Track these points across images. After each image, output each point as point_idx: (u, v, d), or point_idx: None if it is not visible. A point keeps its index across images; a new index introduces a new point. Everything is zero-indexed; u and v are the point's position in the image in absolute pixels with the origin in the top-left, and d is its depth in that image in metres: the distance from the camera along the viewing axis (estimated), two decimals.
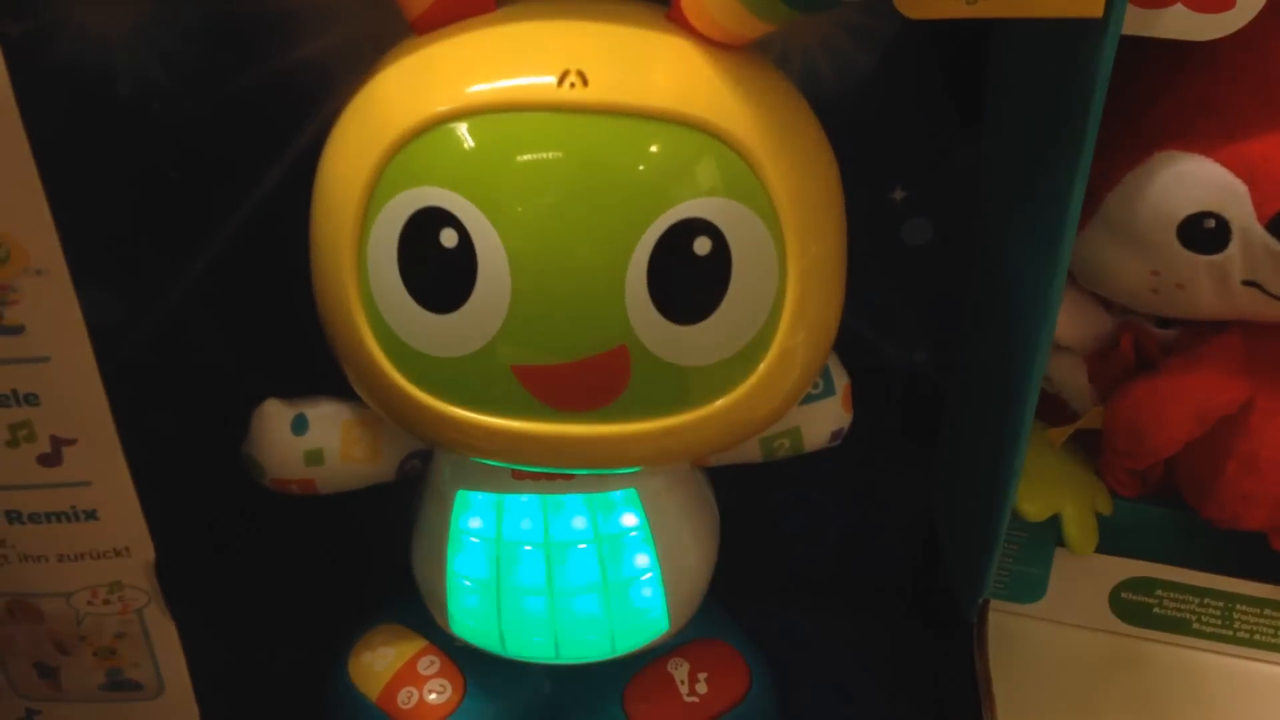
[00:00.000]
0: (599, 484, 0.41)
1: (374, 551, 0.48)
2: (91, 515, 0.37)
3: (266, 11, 0.43)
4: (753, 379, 0.36)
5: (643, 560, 0.42)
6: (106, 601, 0.39)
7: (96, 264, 0.46)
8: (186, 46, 0.43)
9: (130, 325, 0.48)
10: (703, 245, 0.34)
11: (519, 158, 0.33)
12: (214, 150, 0.46)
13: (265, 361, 0.48)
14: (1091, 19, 0.34)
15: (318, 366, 0.40)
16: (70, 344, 0.34)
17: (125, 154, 0.45)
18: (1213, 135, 0.42)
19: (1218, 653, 0.51)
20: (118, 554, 0.38)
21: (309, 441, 0.42)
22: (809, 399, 0.43)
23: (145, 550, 0.39)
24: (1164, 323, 0.48)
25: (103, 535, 0.38)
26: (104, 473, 0.37)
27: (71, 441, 0.36)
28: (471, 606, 0.43)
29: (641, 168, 0.33)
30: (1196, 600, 0.50)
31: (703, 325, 0.35)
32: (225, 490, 0.46)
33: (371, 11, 0.43)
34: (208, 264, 0.48)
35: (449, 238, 0.34)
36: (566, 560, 0.42)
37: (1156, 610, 0.50)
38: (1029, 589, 0.51)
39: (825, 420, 0.43)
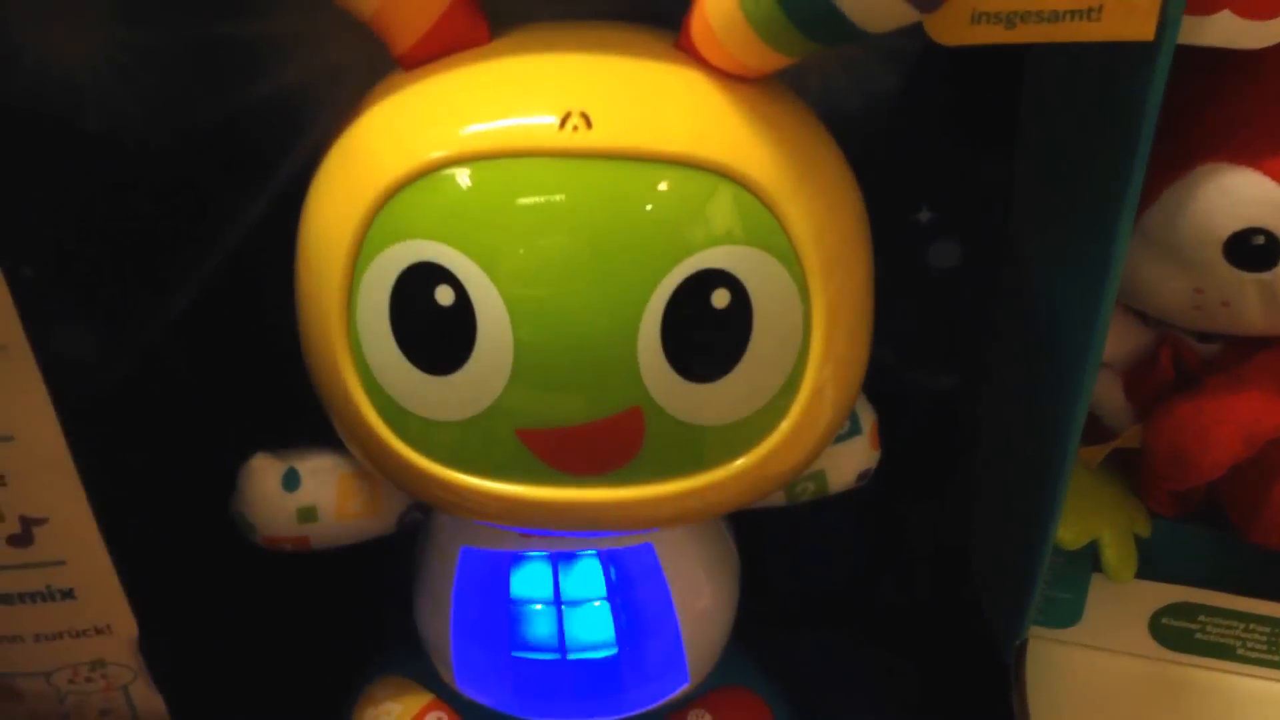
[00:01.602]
0: (613, 541, 0.39)
1: (376, 601, 0.47)
2: (68, 594, 0.36)
3: (241, 37, 0.41)
4: (778, 433, 0.34)
5: (660, 615, 0.40)
6: (89, 680, 0.38)
7: (71, 303, 0.45)
8: (157, 75, 0.41)
9: (106, 365, 0.46)
10: (721, 298, 0.31)
11: (519, 208, 0.31)
12: (189, 183, 0.43)
13: (250, 401, 0.46)
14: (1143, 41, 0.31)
15: (306, 406, 0.38)
16: (35, 422, 0.33)
17: (96, 189, 0.43)
18: (1260, 147, 0.40)
19: (1265, 678, 0.49)
20: (99, 632, 0.37)
21: (301, 498, 0.39)
22: (835, 440, 0.40)
23: (128, 626, 0.37)
24: (1205, 336, 0.46)
25: (81, 614, 0.37)
26: (79, 551, 0.35)
27: (42, 521, 0.35)
28: (478, 664, 0.41)
29: (653, 216, 0.31)
30: (1242, 626, 0.48)
31: (723, 382, 0.32)
32: (214, 541, 0.44)
33: (353, 37, 0.40)
34: (188, 301, 0.46)
35: (445, 295, 0.31)
36: (579, 617, 0.40)
37: (1199, 636, 0.48)
38: (1064, 614, 0.49)
39: (852, 461, 0.41)
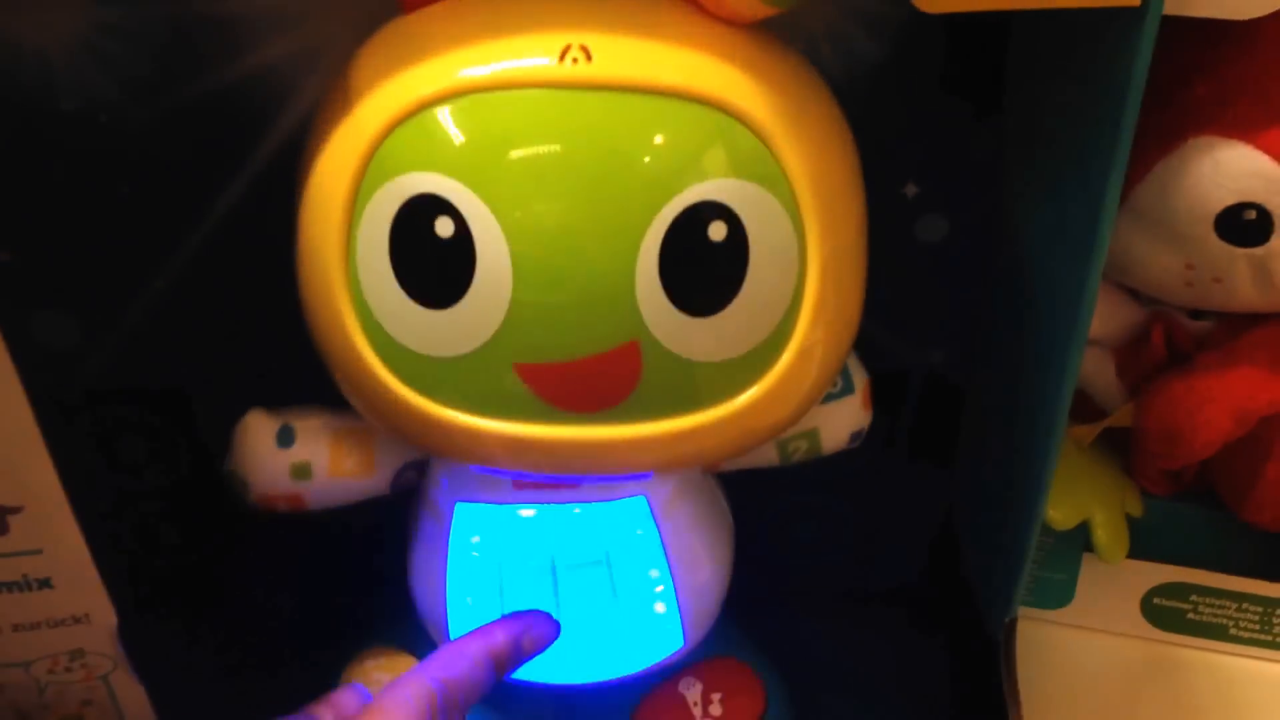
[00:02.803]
0: (607, 492, 0.39)
1: (364, 570, 0.46)
2: (45, 584, 0.36)
3: (218, 15, 0.40)
4: (770, 377, 0.34)
5: (655, 573, 0.40)
6: (69, 670, 0.38)
7: (50, 287, 0.44)
8: (132, 54, 0.40)
9: (88, 350, 0.46)
10: (718, 230, 0.31)
11: (519, 139, 0.31)
12: (168, 163, 0.43)
13: (234, 383, 0.45)
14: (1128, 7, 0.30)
15: (291, 386, 0.38)
16: (7, 410, 0.32)
17: (73, 170, 0.43)
18: (1253, 120, 0.39)
19: (1257, 658, 0.48)
20: (77, 621, 0.37)
21: (296, 454, 0.39)
22: (828, 398, 0.40)
23: (107, 615, 0.37)
24: (1197, 313, 0.45)
25: (59, 603, 0.36)
26: (55, 540, 0.35)
27: (17, 509, 0.34)
28: (471, 624, 0.40)
29: (651, 149, 0.31)
30: (1234, 605, 0.48)
31: (719, 317, 0.32)
32: (203, 512, 0.43)
33: (331, 14, 0.40)
34: (168, 281, 0.45)
35: (444, 226, 0.31)
36: (573, 574, 0.39)
37: (1191, 616, 0.48)
38: (1055, 595, 0.49)
39: (844, 420, 0.41)
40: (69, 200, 0.43)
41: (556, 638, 0.39)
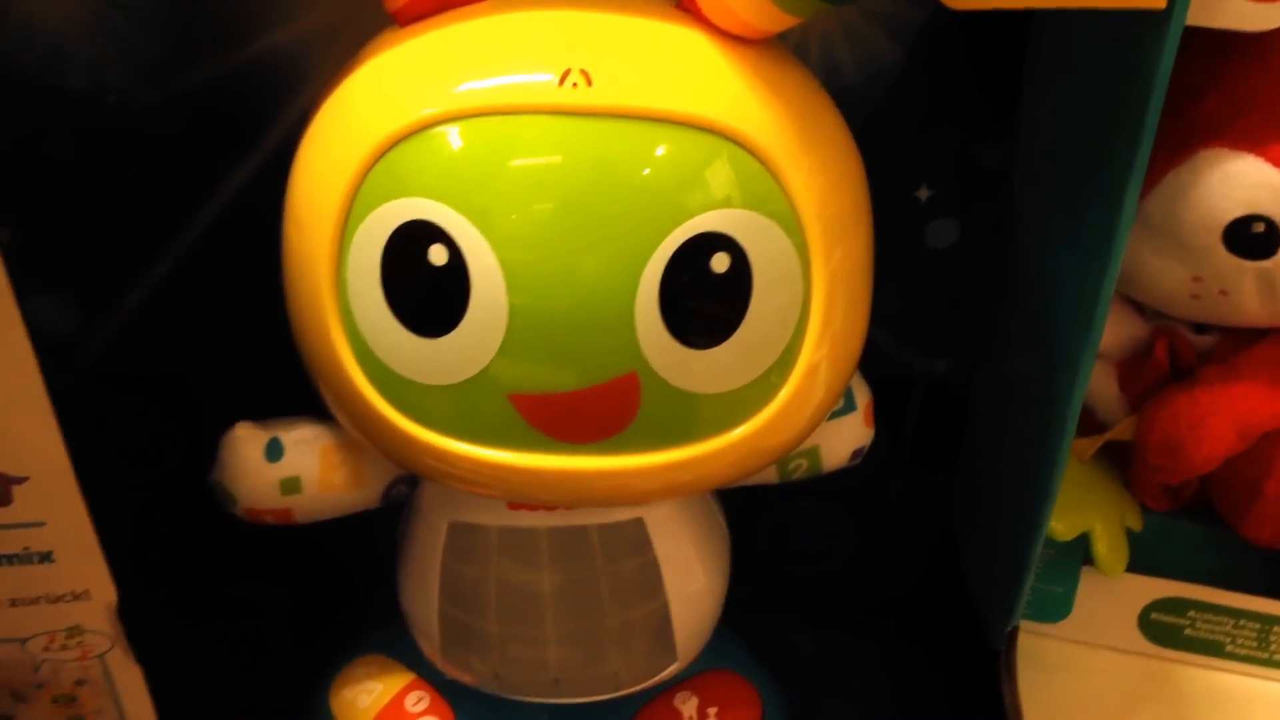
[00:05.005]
0: (603, 514, 0.38)
1: (355, 577, 0.46)
2: (47, 557, 0.35)
3: None
4: (774, 404, 0.33)
5: (650, 592, 0.39)
6: (65, 647, 0.37)
7: (50, 268, 0.44)
8: (141, 34, 0.40)
9: (88, 334, 0.45)
10: (721, 262, 0.31)
11: (516, 166, 0.30)
12: (176, 145, 0.42)
13: (234, 373, 0.45)
14: (1152, 10, 0.30)
15: (293, 379, 0.37)
16: (16, 374, 0.31)
17: (78, 151, 0.42)
18: (1262, 132, 0.39)
19: (1253, 676, 0.48)
20: (76, 597, 0.36)
21: (284, 469, 0.38)
22: (829, 416, 0.39)
23: (106, 592, 0.36)
24: (1201, 328, 0.45)
25: (59, 578, 0.35)
26: (59, 511, 0.34)
27: (22, 479, 0.33)
28: (464, 642, 0.40)
29: (653, 177, 0.30)
30: (1231, 622, 0.48)
31: (720, 349, 0.32)
32: (193, 514, 0.43)
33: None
34: (171, 266, 0.44)
35: (438, 254, 0.30)
36: (567, 593, 0.39)
37: (1189, 632, 0.48)
38: (1053, 608, 0.48)
39: (846, 439, 0.41)
40: (70, 182, 0.43)
41: None
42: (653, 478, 0.33)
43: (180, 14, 0.40)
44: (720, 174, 0.31)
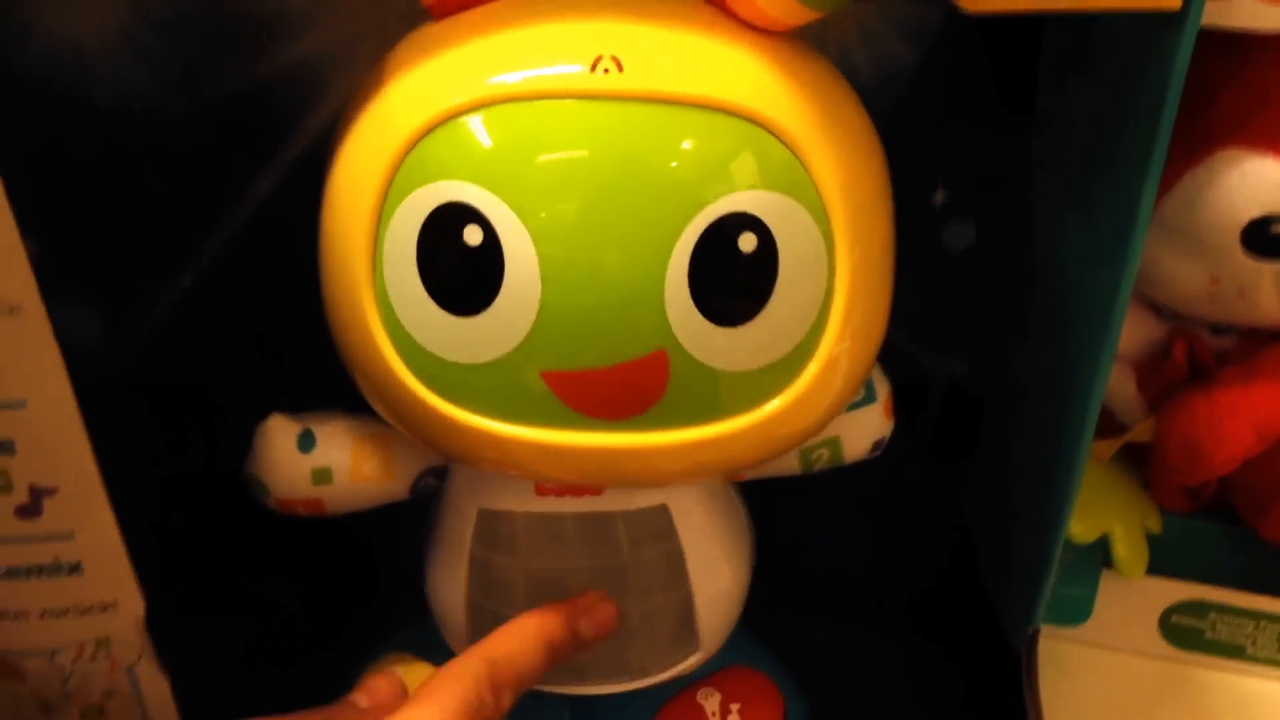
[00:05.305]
0: (628, 500, 0.39)
1: (380, 574, 0.46)
2: (76, 569, 0.35)
3: (254, 8, 0.40)
4: (797, 387, 0.34)
5: (674, 580, 0.40)
6: (93, 659, 0.37)
7: (77, 279, 0.44)
8: (167, 48, 0.41)
9: (113, 344, 0.46)
10: (748, 242, 0.32)
11: (549, 149, 0.31)
12: (200, 157, 0.43)
13: (257, 382, 0.46)
14: (1168, 11, 0.31)
15: (317, 386, 0.38)
16: (48, 386, 0.32)
17: (105, 164, 0.43)
18: (1278, 132, 0.39)
19: (1276, 679, 0.48)
20: (104, 609, 0.36)
21: (317, 459, 0.39)
22: (850, 406, 0.40)
23: (134, 604, 0.37)
24: (1218, 329, 0.46)
25: (88, 590, 0.36)
26: (88, 523, 0.34)
27: (52, 491, 0.34)
28: (492, 628, 0.40)
29: (682, 161, 0.31)
30: (1253, 624, 0.47)
31: (747, 328, 0.32)
32: (221, 515, 0.43)
33: (368, 8, 0.40)
34: (195, 278, 0.45)
35: (473, 235, 0.31)
36: (593, 583, 0.39)
37: (1209, 634, 0.48)
38: (1073, 611, 0.48)
39: (867, 429, 0.41)
40: (97, 194, 0.43)
41: (615, 626, 0.38)
42: (679, 457, 0.34)
43: (204, 27, 0.41)
44: (749, 158, 0.31)
